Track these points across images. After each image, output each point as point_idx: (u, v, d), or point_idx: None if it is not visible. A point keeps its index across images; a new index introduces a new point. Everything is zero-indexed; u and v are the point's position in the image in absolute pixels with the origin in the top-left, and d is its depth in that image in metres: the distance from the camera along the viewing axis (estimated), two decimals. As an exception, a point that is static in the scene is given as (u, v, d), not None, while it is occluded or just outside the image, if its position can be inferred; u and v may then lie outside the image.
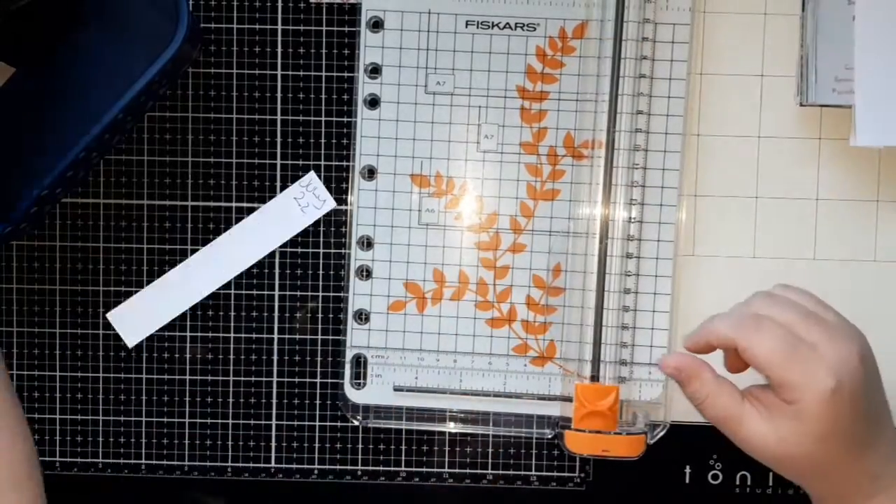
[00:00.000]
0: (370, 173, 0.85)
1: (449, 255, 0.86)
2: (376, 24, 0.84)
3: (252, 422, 0.88)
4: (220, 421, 0.88)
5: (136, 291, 0.87)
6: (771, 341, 0.68)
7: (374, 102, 0.85)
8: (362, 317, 0.86)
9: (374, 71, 0.85)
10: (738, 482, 0.87)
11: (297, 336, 0.87)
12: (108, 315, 0.87)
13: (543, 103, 0.84)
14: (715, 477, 0.87)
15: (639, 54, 0.82)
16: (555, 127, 0.84)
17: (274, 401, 0.88)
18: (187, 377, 0.88)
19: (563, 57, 0.84)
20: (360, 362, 0.86)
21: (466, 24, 0.84)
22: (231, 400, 0.88)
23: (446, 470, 0.88)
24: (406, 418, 0.87)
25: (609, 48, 0.82)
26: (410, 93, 0.85)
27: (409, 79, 0.85)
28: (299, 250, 0.87)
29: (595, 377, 0.84)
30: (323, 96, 0.86)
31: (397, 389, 0.87)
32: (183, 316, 0.87)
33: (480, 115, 0.85)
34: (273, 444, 0.88)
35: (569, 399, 0.84)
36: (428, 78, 0.85)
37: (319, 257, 0.87)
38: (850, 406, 0.68)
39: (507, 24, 0.84)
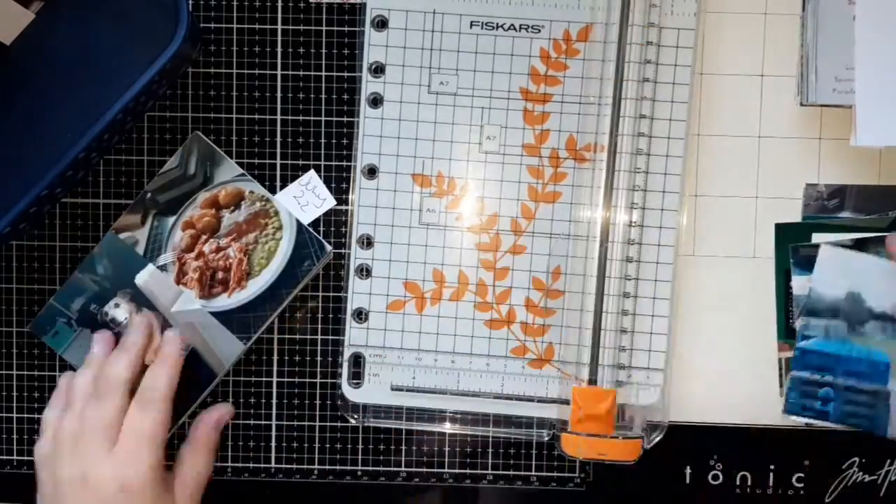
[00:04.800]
0: (371, 172, 0.85)
1: (449, 256, 0.85)
2: (381, 23, 0.84)
3: (252, 422, 0.88)
4: (220, 421, 0.88)
5: (136, 291, 0.87)
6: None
7: (376, 101, 0.85)
8: (361, 315, 0.86)
9: (378, 70, 0.84)
10: (738, 482, 0.87)
11: (297, 336, 0.87)
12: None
13: (546, 105, 0.84)
14: (715, 477, 0.88)
15: (643, 58, 0.82)
16: (557, 129, 0.84)
17: (274, 401, 0.88)
18: (187, 377, 0.88)
19: (566, 59, 0.84)
20: (358, 361, 0.86)
21: (471, 25, 0.84)
22: (231, 400, 0.88)
23: (446, 470, 0.88)
24: (405, 418, 0.87)
25: (613, 51, 0.82)
26: (413, 92, 0.84)
27: (413, 78, 0.84)
28: (300, 250, 0.87)
29: (593, 381, 0.84)
30: (323, 96, 0.86)
31: (395, 389, 0.86)
32: (183, 316, 0.87)
33: (483, 116, 0.84)
34: (273, 444, 0.88)
35: (566, 402, 0.85)
36: (431, 78, 0.84)
37: (320, 257, 0.87)
38: None
39: (512, 25, 0.83)
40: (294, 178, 0.86)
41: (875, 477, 0.87)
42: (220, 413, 0.86)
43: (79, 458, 0.78)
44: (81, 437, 0.79)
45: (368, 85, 0.85)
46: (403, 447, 0.88)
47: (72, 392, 0.81)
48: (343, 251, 0.86)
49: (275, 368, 0.88)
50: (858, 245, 0.84)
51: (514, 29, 0.83)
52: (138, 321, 0.84)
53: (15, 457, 0.88)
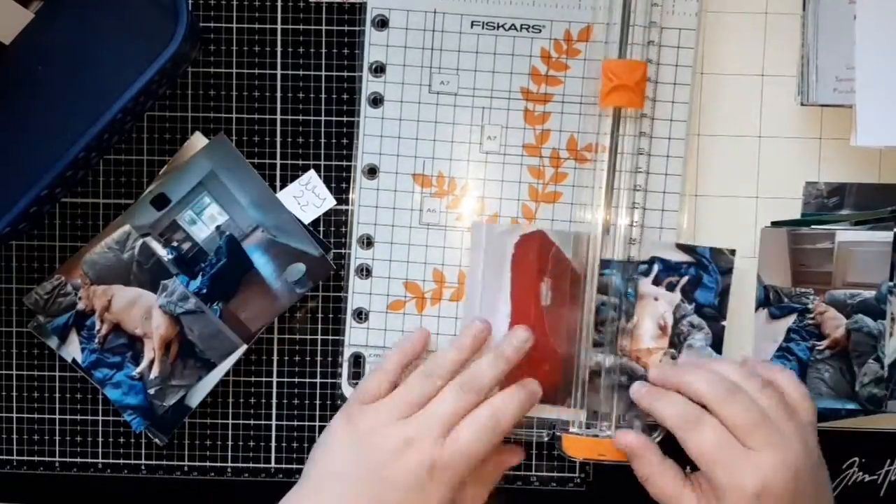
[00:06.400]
0: (372, 172, 0.85)
1: (449, 256, 0.85)
2: (381, 23, 0.84)
3: (252, 422, 0.88)
4: (220, 421, 0.88)
5: (136, 291, 0.87)
6: (707, 440, 0.74)
7: (377, 101, 0.84)
8: (361, 315, 0.86)
9: (379, 69, 0.84)
10: (737, 483, 0.88)
11: (297, 336, 0.87)
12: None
13: (547, 105, 0.84)
14: (715, 477, 0.88)
15: (644, 58, 0.82)
16: (558, 129, 0.84)
17: (274, 401, 0.88)
18: (187, 377, 0.88)
19: (567, 59, 0.84)
20: (358, 361, 0.86)
21: (472, 25, 0.83)
22: (231, 400, 0.88)
23: (447, 470, 0.88)
24: (405, 418, 0.87)
25: (614, 51, 0.82)
26: (414, 92, 0.84)
27: (413, 78, 0.84)
28: (300, 250, 0.87)
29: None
30: (323, 96, 0.86)
31: (394, 389, 0.86)
32: (183, 316, 0.87)
33: (484, 116, 0.84)
34: (273, 444, 0.88)
35: (566, 402, 0.84)
36: (432, 77, 0.84)
37: (320, 257, 0.87)
38: None
39: (513, 25, 0.83)
40: (294, 178, 0.86)
41: (875, 477, 0.87)
42: (515, 455, 0.86)
43: (407, 426, 0.76)
44: (436, 412, 0.77)
45: (369, 84, 0.85)
46: (404, 447, 0.88)
47: (437, 363, 0.80)
48: (343, 251, 0.86)
49: (275, 368, 0.87)
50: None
51: (515, 29, 0.83)
52: (525, 336, 0.82)
53: (15, 457, 0.88)
